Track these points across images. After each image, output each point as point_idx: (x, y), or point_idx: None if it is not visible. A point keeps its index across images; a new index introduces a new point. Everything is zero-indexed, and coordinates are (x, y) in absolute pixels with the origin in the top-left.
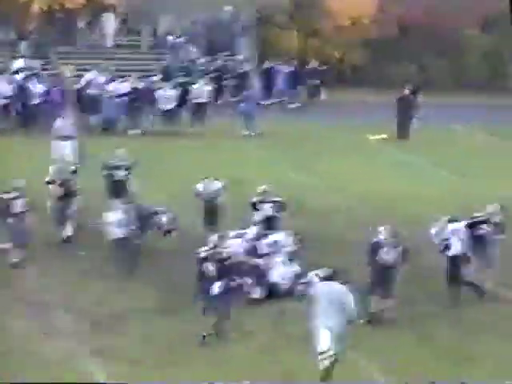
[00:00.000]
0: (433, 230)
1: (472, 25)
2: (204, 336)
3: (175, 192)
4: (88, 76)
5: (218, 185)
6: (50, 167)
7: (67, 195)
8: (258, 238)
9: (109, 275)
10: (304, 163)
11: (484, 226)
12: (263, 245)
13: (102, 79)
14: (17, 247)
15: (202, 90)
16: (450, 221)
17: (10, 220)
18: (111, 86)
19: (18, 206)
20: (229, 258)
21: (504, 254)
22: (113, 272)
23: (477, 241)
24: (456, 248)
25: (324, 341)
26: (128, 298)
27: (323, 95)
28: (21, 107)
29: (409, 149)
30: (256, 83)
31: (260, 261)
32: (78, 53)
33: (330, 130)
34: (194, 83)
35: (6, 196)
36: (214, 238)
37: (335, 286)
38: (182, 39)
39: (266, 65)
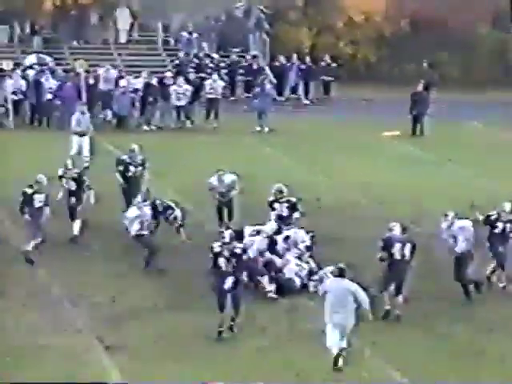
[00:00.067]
0: (443, 225)
1: (484, 21)
2: (220, 332)
3: (188, 187)
4: (101, 71)
5: (232, 177)
6: (68, 161)
7: (78, 190)
8: (274, 234)
9: (122, 272)
10: (318, 160)
11: (500, 223)
12: (278, 241)
13: (114, 75)
14: (33, 241)
15: (214, 85)
16: (459, 217)
17: (31, 214)
18: (124, 82)
19: (38, 200)
20: (244, 252)
21: None
22: (126, 269)
23: (496, 238)
24: (461, 246)
25: (330, 337)
26: (141, 294)
27: (333, 92)
28: (34, 103)
29: (423, 145)
30: (269, 79)
31: (274, 257)
32: (90, 48)
33: (344, 126)
34: (206, 79)
35: (29, 190)
36: (228, 232)
37: (343, 283)
38: (194, 35)
39: (279, 61)
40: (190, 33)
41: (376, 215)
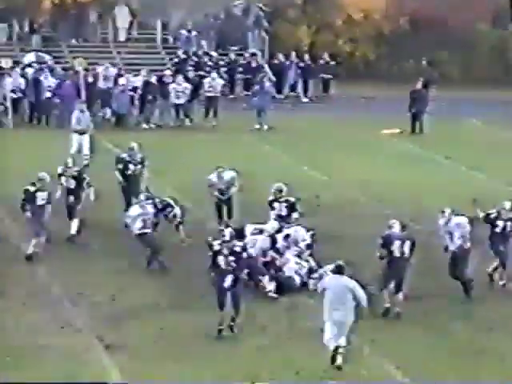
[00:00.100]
0: (440, 221)
1: (484, 19)
2: (220, 330)
3: (187, 185)
4: (100, 70)
5: (231, 174)
6: (68, 160)
7: (78, 188)
8: (276, 233)
9: (122, 271)
10: (317, 158)
11: (500, 222)
12: (278, 239)
13: (113, 73)
14: (35, 239)
15: (213, 83)
16: (455, 214)
17: (33, 211)
18: (123, 80)
19: (41, 198)
20: (243, 250)
21: None
22: (126, 267)
23: (497, 237)
24: (456, 243)
25: (328, 334)
26: (141, 293)
27: (332, 89)
28: (33, 101)
29: (422, 143)
30: (268, 77)
31: (275, 255)
32: (89, 46)
33: (343, 124)
34: (205, 77)
35: (32, 188)
36: (228, 230)
37: (342, 280)
38: (194, 33)
39: (278, 59)
40: (189, 31)
41: (375, 213)
